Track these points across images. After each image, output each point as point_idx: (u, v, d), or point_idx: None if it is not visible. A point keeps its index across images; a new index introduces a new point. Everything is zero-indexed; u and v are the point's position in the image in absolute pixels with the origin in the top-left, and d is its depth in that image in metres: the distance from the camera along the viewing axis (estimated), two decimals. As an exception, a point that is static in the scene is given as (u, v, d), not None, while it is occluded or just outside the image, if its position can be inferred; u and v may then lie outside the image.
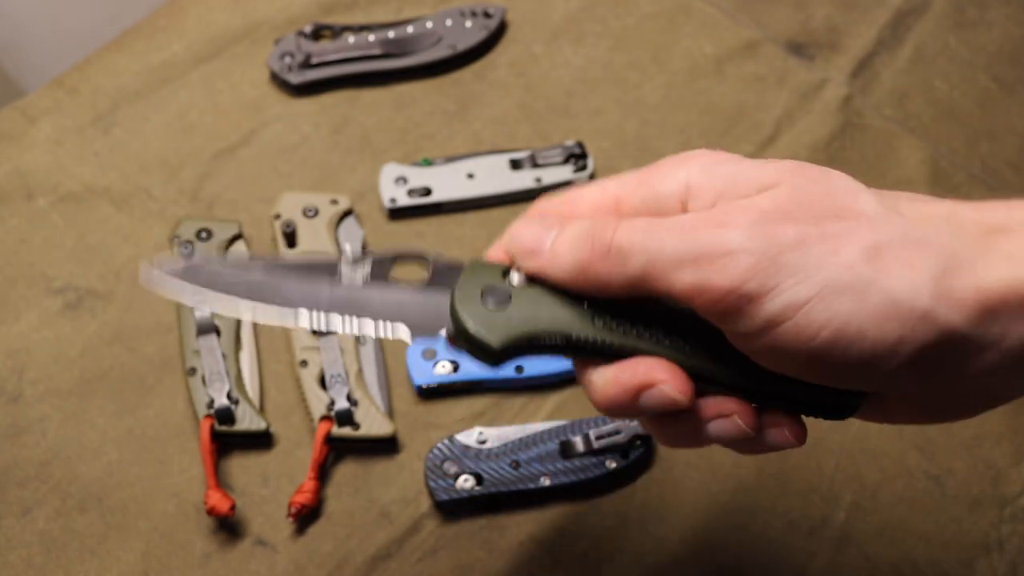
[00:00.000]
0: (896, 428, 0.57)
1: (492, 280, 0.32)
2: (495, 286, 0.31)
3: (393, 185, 0.65)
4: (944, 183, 0.68)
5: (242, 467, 0.55)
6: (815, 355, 0.27)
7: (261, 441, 0.56)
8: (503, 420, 0.57)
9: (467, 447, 0.54)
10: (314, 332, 0.57)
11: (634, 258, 0.29)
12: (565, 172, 0.66)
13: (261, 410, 0.57)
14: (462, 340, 0.31)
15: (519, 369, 0.57)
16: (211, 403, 0.55)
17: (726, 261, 0.27)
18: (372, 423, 0.55)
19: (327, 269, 0.33)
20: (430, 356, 0.57)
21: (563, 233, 0.31)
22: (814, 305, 0.26)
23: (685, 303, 0.29)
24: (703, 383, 0.31)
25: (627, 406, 0.30)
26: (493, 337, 0.31)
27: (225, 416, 0.54)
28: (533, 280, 0.32)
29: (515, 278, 0.32)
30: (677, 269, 0.28)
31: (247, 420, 0.55)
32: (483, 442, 0.54)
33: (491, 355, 0.31)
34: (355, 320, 0.32)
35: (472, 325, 0.31)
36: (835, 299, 0.26)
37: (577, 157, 0.66)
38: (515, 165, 0.66)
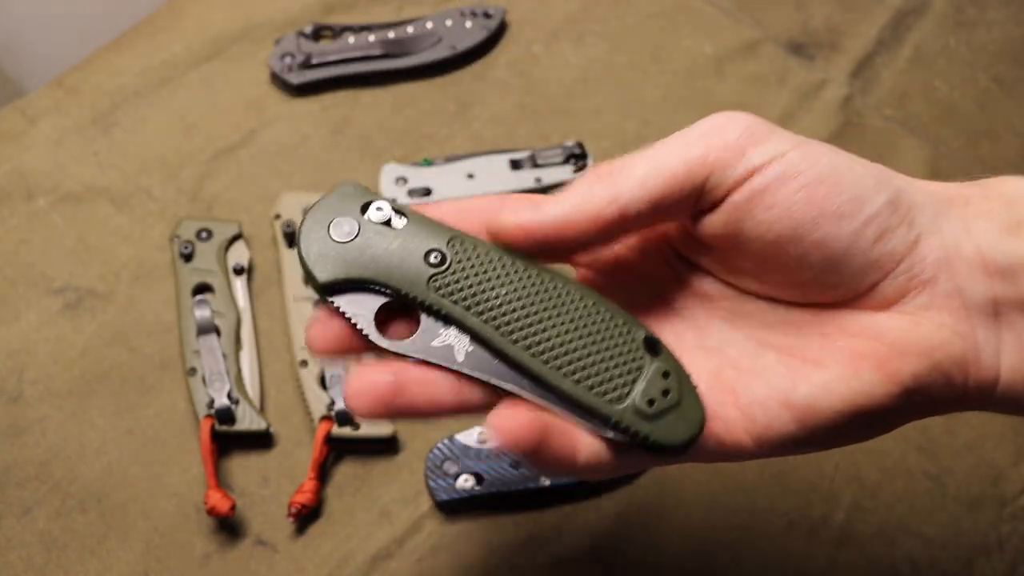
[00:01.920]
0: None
1: (350, 210, 0.31)
2: (350, 216, 0.31)
3: (393, 185, 0.65)
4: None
5: (242, 467, 0.55)
6: (803, 202, 0.30)
7: (261, 441, 0.56)
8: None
9: (467, 447, 0.54)
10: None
11: (639, 164, 0.30)
12: (565, 172, 0.66)
13: (261, 410, 0.57)
14: (301, 264, 0.31)
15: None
16: (211, 403, 0.55)
17: (729, 120, 0.31)
18: (372, 423, 0.55)
19: None
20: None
21: (558, 193, 0.31)
22: (802, 149, 0.30)
23: (695, 170, 0.30)
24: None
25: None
26: (322, 271, 0.30)
27: (225, 416, 0.54)
28: (387, 223, 0.31)
29: (374, 215, 0.31)
30: (686, 147, 0.30)
31: (247, 420, 0.55)
32: (483, 442, 0.54)
33: (316, 287, 0.31)
34: None
35: (307, 252, 0.31)
36: (816, 147, 0.31)
37: (577, 157, 0.66)
38: (515, 165, 0.66)
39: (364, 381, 0.30)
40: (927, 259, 0.30)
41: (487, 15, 0.73)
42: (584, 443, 0.30)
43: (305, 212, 0.32)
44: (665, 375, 0.30)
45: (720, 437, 0.31)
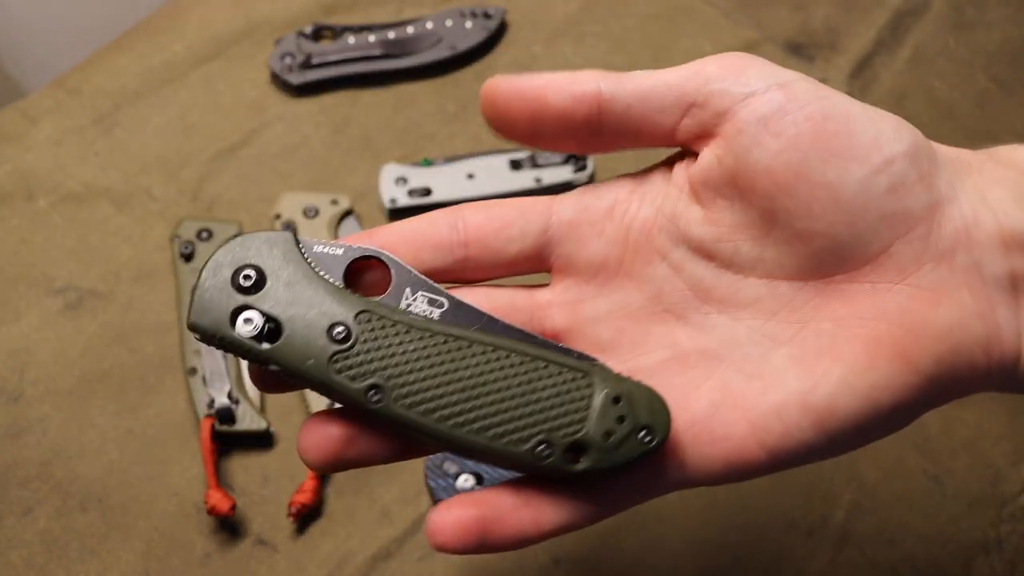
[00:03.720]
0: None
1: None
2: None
3: (393, 185, 0.65)
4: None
5: (242, 467, 0.55)
6: (810, 134, 0.28)
7: (262, 441, 0.56)
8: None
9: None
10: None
11: (631, 72, 0.30)
12: (565, 172, 0.66)
13: (262, 410, 0.57)
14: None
15: None
16: (212, 403, 0.55)
17: (731, 53, 0.30)
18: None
19: None
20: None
21: None
22: (810, 83, 0.29)
23: (689, 77, 0.29)
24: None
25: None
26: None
27: (226, 416, 0.54)
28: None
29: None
30: (681, 66, 0.30)
31: (248, 420, 0.55)
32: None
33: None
34: None
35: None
36: (829, 88, 0.29)
37: (577, 157, 0.66)
38: (515, 165, 0.66)
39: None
40: (945, 229, 0.28)
41: (487, 15, 0.73)
42: (547, 509, 0.28)
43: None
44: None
45: (729, 457, 0.28)
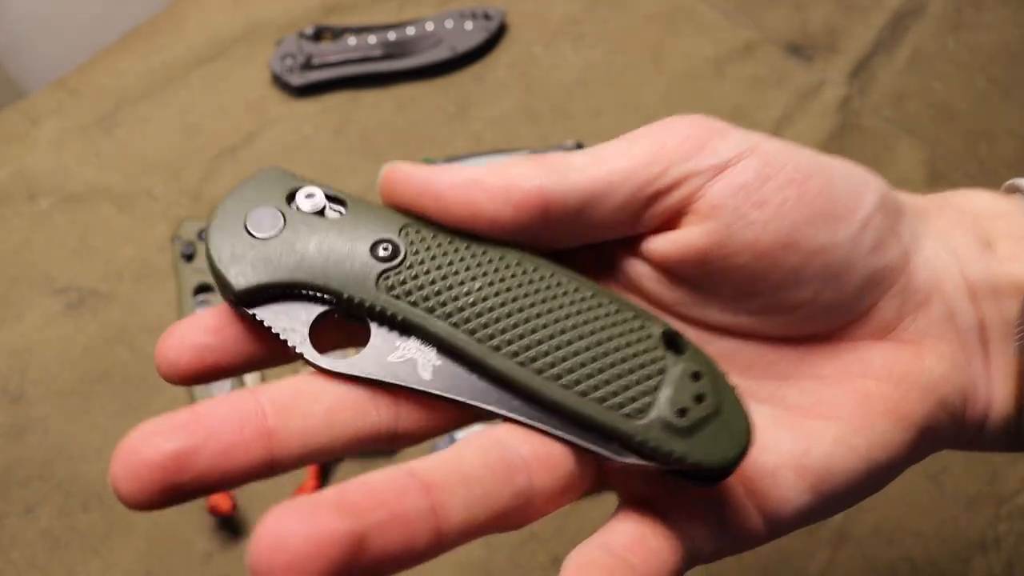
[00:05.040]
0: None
1: (273, 199, 0.25)
2: (273, 207, 0.25)
3: (394, 186, 0.65)
4: (942, 184, 0.69)
5: (243, 466, 0.56)
6: (795, 199, 0.25)
7: (262, 440, 0.56)
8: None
9: (467, 446, 0.54)
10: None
11: (578, 155, 0.25)
12: (565, 173, 0.66)
13: (262, 409, 0.57)
14: (210, 269, 0.24)
15: None
16: (213, 402, 0.55)
17: (682, 118, 0.26)
18: None
19: None
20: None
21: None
22: (775, 143, 0.26)
23: (646, 164, 0.25)
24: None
25: None
26: (239, 276, 0.24)
27: (226, 415, 0.54)
28: (320, 213, 0.25)
29: (304, 204, 0.25)
30: (633, 141, 0.25)
31: (248, 419, 0.55)
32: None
33: (231, 296, 0.24)
34: None
35: (219, 253, 0.24)
36: (786, 143, 0.26)
37: (577, 158, 0.66)
38: (515, 166, 0.66)
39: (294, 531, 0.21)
40: (917, 280, 0.26)
41: (487, 16, 0.73)
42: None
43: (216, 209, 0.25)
44: (695, 376, 0.23)
45: (729, 527, 0.25)
